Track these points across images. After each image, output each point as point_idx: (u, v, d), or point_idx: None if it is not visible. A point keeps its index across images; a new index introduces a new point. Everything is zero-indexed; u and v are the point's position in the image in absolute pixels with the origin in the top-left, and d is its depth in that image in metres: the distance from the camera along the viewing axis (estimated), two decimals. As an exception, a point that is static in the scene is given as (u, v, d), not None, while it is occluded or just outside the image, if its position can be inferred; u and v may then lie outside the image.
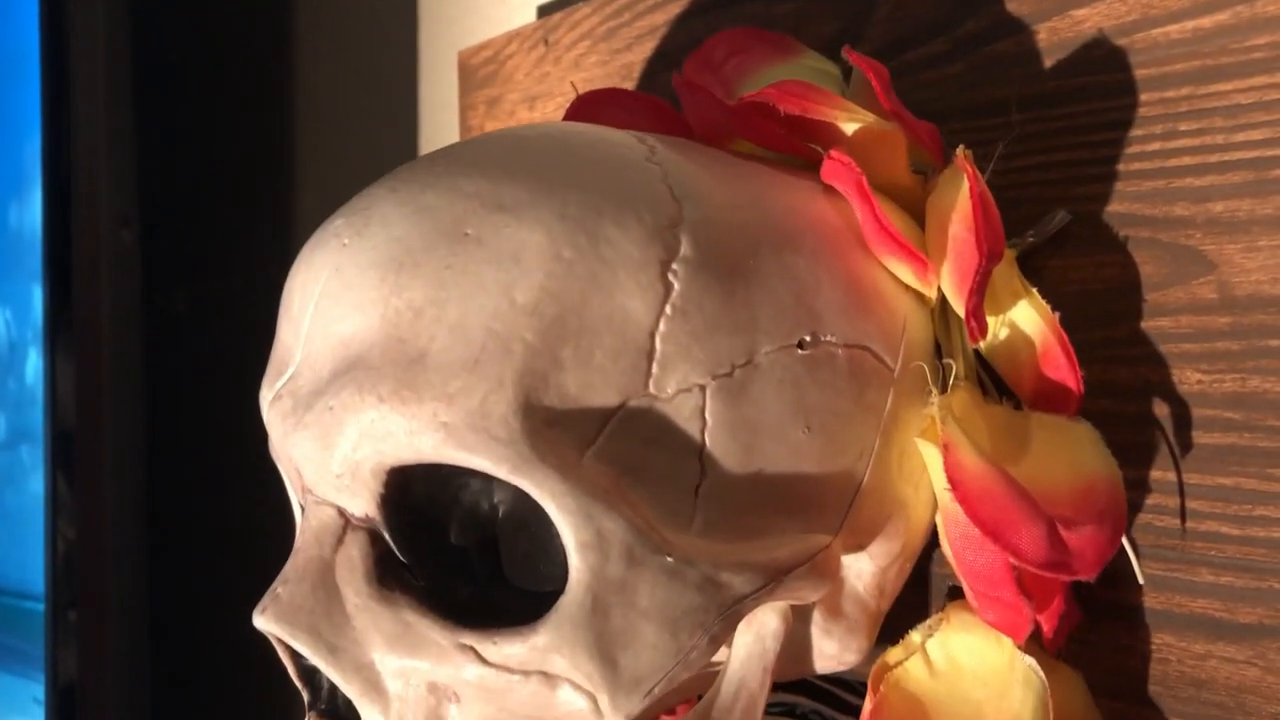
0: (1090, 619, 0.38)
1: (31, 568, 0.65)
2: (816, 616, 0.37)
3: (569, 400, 0.32)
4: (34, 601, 0.65)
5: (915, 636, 0.37)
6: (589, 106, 0.44)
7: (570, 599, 0.31)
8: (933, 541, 0.41)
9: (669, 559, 0.32)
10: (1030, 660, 0.34)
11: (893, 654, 0.37)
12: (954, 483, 0.33)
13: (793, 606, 0.36)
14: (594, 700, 0.31)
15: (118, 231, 0.67)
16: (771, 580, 0.33)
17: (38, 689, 0.65)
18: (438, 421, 0.31)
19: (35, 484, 0.65)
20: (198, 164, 0.76)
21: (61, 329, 0.66)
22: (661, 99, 0.45)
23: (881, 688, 0.36)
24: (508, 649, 0.31)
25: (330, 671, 0.33)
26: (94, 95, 0.66)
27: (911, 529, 0.37)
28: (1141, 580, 0.36)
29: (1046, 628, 0.35)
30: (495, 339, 0.31)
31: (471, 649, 0.31)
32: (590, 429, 0.32)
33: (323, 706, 0.34)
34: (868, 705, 0.36)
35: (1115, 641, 0.38)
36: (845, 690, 0.45)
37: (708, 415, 0.33)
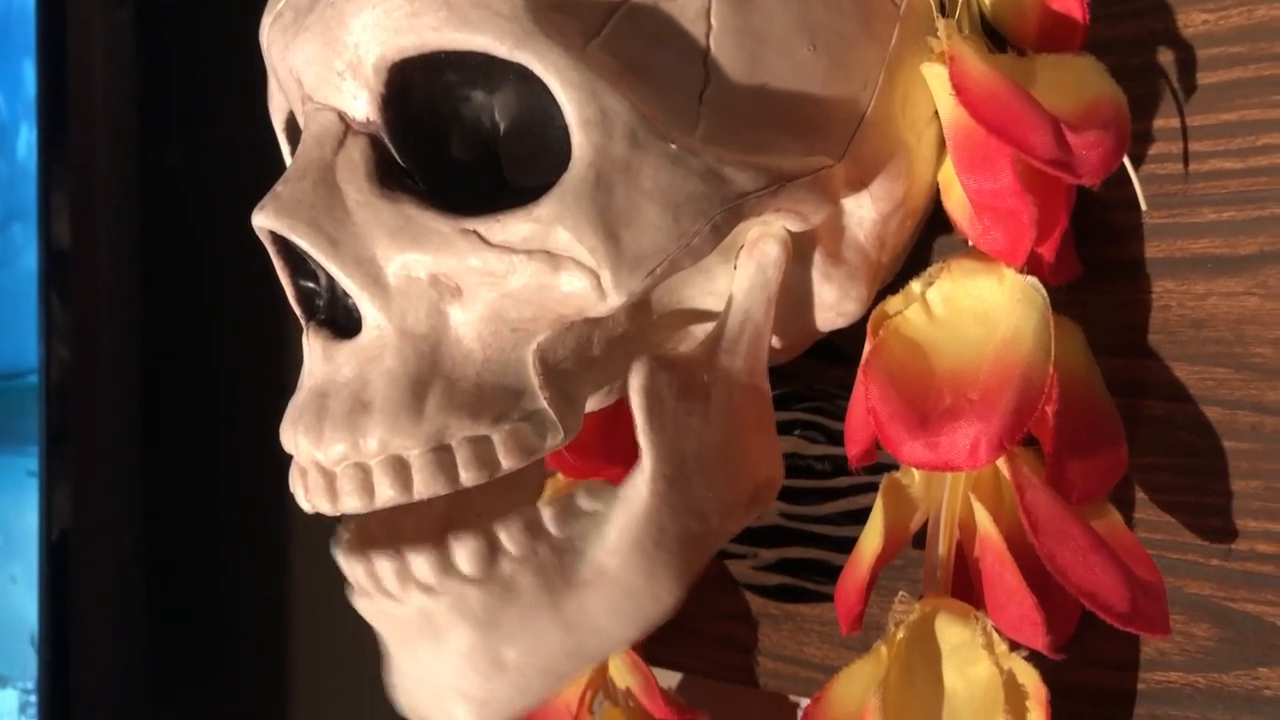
0: (1090, 277, 0.38)
1: (26, 343, 0.65)
2: (817, 260, 0.36)
3: (574, -13, 0.31)
4: (29, 376, 0.65)
5: (915, 286, 0.37)
6: None
7: (574, 174, 0.31)
8: (932, 232, 0.41)
9: (672, 146, 0.31)
10: (1032, 279, 0.34)
11: (892, 303, 0.37)
12: (959, 89, 0.33)
13: (794, 251, 0.36)
14: (596, 278, 0.31)
15: (113, 12, 0.66)
16: (775, 183, 0.33)
17: (31, 462, 0.65)
18: None
19: (29, 260, 0.65)
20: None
21: (55, 110, 0.65)
22: None
23: (880, 333, 0.36)
24: (511, 226, 0.31)
25: (330, 265, 0.32)
26: None
27: (914, 177, 0.37)
28: (1144, 206, 0.36)
29: (1048, 253, 0.35)
30: (496, -79, 0.31)
31: (475, 233, 0.31)
32: (595, 18, 0.32)
33: (321, 317, 0.34)
34: (866, 349, 0.36)
35: (1115, 298, 0.38)
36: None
37: (713, 18, 0.33)
